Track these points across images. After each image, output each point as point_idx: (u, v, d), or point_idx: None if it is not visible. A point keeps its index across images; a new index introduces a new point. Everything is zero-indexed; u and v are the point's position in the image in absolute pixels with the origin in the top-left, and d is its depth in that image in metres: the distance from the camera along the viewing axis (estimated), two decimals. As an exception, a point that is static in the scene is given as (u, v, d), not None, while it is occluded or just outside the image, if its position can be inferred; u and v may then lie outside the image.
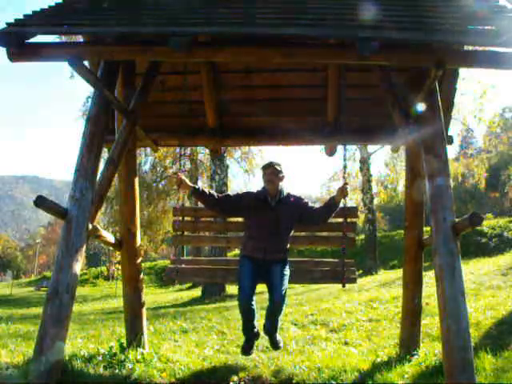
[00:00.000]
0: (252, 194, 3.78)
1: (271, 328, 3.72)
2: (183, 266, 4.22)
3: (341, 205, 3.81)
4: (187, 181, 3.72)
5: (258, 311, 3.77)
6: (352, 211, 4.29)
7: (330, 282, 4.37)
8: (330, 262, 4.29)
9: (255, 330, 3.77)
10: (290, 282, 3.72)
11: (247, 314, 3.60)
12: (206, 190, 3.71)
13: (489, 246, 15.98)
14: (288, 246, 3.82)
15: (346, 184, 3.76)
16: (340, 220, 4.16)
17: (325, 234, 4.78)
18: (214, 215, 5.10)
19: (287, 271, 3.66)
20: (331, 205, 3.73)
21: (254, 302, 3.57)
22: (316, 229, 4.52)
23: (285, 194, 3.72)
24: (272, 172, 3.64)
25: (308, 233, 4.69)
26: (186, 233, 4.43)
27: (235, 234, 4.38)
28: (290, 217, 3.68)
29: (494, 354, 3.70)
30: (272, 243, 3.63)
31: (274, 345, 3.83)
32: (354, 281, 4.03)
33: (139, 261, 4.36)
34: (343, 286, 4.01)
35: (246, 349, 3.77)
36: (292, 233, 3.84)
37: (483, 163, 19.24)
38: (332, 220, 4.01)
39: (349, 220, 4.17)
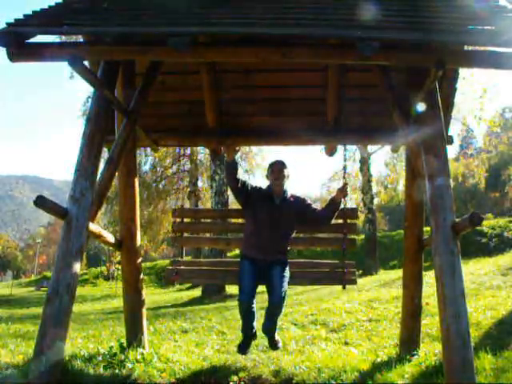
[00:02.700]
0: (261, 189, 3.80)
1: (270, 329, 3.72)
2: (182, 267, 4.24)
3: (341, 206, 3.82)
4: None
5: (258, 311, 3.77)
6: (352, 212, 4.29)
7: (330, 283, 4.41)
8: (330, 264, 4.28)
9: (254, 330, 3.78)
10: (290, 283, 3.72)
11: (247, 316, 3.62)
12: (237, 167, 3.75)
13: (489, 246, 15.99)
14: (288, 247, 3.82)
15: (345, 184, 3.79)
16: (340, 221, 4.16)
17: (325, 235, 4.78)
18: (214, 216, 5.13)
19: (287, 273, 3.66)
20: (332, 205, 3.75)
21: (254, 304, 3.58)
22: (317, 229, 4.53)
23: (288, 194, 3.73)
24: (279, 170, 3.67)
25: (308, 234, 4.68)
26: (185, 234, 4.44)
27: (235, 236, 4.37)
28: (293, 217, 3.69)
29: (493, 353, 3.70)
30: (273, 242, 3.62)
31: (273, 345, 3.85)
32: (354, 282, 4.04)
33: (139, 261, 4.36)
34: (343, 288, 4.02)
35: (243, 347, 3.79)
36: (293, 234, 3.84)
37: (483, 163, 19.26)
38: (332, 221, 4.01)
39: (349, 221, 4.17)
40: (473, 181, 21.15)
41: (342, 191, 3.72)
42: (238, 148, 3.85)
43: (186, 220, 4.46)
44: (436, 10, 3.38)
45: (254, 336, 3.84)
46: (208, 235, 6.37)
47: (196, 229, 4.81)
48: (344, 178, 3.98)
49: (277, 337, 3.87)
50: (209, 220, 5.05)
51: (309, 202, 3.85)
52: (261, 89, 4.87)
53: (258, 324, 3.81)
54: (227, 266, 4.44)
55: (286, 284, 3.61)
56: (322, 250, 19.44)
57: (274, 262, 3.62)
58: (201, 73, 4.61)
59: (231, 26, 3.08)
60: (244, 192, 3.72)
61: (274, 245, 3.63)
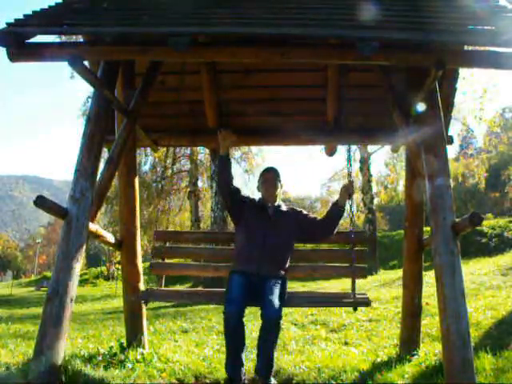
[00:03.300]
0: (253, 199, 3.51)
1: (264, 366, 3.03)
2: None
3: (346, 208, 3.36)
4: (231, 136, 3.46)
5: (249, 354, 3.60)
6: (360, 237, 3.74)
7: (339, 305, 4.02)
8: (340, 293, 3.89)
9: (242, 369, 3.04)
10: (290, 305, 3.29)
11: (234, 335, 2.97)
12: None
13: (489, 246, 15.99)
14: (287, 265, 3.38)
15: (351, 182, 3.43)
16: (347, 246, 3.67)
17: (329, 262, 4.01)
18: (201, 240, 4.62)
19: (285, 289, 3.20)
20: (335, 211, 3.36)
21: (243, 321, 2.99)
22: (319, 242, 3.87)
23: (283, 205, 3.46)
24: (272, 177, 3.45)
25: (310, 263, 3.95)
26: (167, 260, 4.04)
27: (225, 265, 3.88)
28: (289, 228, 3.34)
29: (493, 354, 3.69)
30: (268, 254, 3.21)
31: None
32: (368, 304, 3.32)
33: (139, 261, 4.36)
34: (355, 310, 3.38)
35: None
36: (291, 247, 3.44)
37: (483, 163, 19.27)
38: (338, 247, 3.77)
39: (357, 248, 3.61)
40: (473, 181, 21.16)
41: (347, 190, 3.34)
42: (233, 139, 3.47)
43: (168, 244, 4.00)
44: (436, 9, 3.38)
45: (241, 379, 3.04)
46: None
47: (180, 254, 4.34)
48: (349, 175, 3.61)
49: (273, 381, 3.12)
50: (196, 245, 4.49)
51: (305, 212, 3.51)
52: (261, 89, 4.87)
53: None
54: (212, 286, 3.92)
55: (282, 300, 3.08)
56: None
57: (269, 275, 3.17)
58: (201, 73, 4.61)
59: (231, 26, 3.08)
60: (236, 196, 3.40)
61: (269, 256, 3.21)
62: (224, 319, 2.95)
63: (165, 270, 4.02)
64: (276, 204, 3.45)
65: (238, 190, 3.44)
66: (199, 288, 3.82)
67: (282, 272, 3.30)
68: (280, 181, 3.50)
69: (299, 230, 3.39)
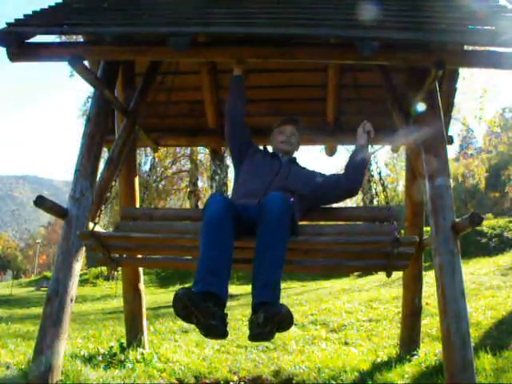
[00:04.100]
0: (263, 147, 2.99)
1: (270, 289, 1.92)
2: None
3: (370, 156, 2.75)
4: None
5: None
6: (393, 213, 2.78)
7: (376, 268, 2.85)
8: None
9: (224, 282, 1.93)
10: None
11: (217, 230, 1.99)
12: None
13: (489, 246, 15.97)
14: (298, 218, 2.54)
15: (366, 121, 2.92)
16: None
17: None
18: (171, 218, 3.23)
19: (292, 216, 2.21)
20: (356, 156, 2.73)
21: (230, 218, 2.06)
22: (344, 199, 3.07)
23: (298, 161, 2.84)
24: (291, 132, 2.87)
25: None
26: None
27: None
28: (305, 178, 2.69)
29: (493, 354, 3.70)
30: (276, 189, 2.42)
31: (282, 318, 1.87)
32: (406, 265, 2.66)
33: (139, 261, 4.35)
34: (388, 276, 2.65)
35: (184, 308, 1.82)
36: (305, 204, 2.64)
37: (483, 163, 19.27)
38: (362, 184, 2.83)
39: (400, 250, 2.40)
40: (473, 181, 21.15)
41: (365, 128, 2.86)
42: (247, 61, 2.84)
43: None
44: (436, 10, 3.38)
45: (217, 297, 1.87)
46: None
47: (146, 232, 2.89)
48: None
49: (284, 308, 1.91)
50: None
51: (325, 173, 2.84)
52: (261, 89, 4.87)
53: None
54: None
55: (289, 216, 2.14)
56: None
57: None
58: (201, 73, 4.61)
59: (231, 26, 3.08)
60: (244, 130, 2.88)
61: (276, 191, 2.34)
62: (203, 222, 2.06)
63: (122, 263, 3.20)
64: (290, 154, 2.86)
65: (247, 129, 2.93)
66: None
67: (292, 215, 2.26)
68: (296, 139, 2.92)
69: (319, 189, 2.68)
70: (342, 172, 2.81)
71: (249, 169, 2.73)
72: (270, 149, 3.06)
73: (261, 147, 3.06)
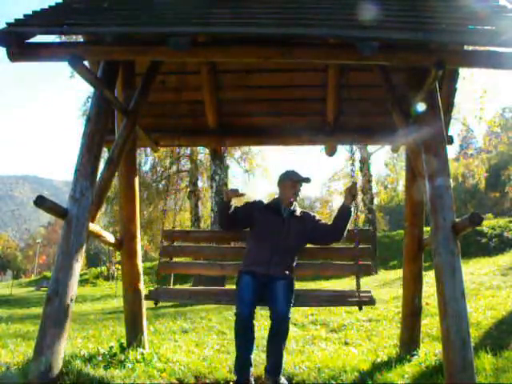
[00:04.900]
0: (262, 202, 3.63)
1: (274, 367, 3.15)
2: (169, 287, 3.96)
3: (352, 211, 3.50)
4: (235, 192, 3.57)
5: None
6: (365, 235, 3.93)
7: (345, 304, 4.07)
8: (345, 291, 3.92)
9: (250, 370, 3.13)
10: (301, 304, 3.43)
11: (245, 334, 3.08)
12: (233, 208, 3.52)
13: (489, 246, 15.99)
14: (294, 263, 3.52)
15: (354, 184, 3.58)
16: (351, 245, 3.75)
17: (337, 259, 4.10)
18: (208, 239, 4.63)
19: (292, 288, 3.30)
20: (342, 213, 3.47)
21: (253, 321, 3.12)
22: (329, 244, 3.81)
23: (298, 209, 3.54)
24: (299, 189, 3.52)
25: (315, 260, 4.12)
26: (174, 259, 4.13)
27: (231, 263, 3.98)
28: (302, 231, 3.45)
29: (494, 354, 3.69)
30: (277, 256, 3.31)
31: None
32: (372, 303, 3.50)
33: (139, 261, 4.36)
34: (360, 309, 3.53)
35: None
36: (300, 249, 3.56)
37: (483, 163, 19.26)
38: (342, 245, 3.77)
39: (361, 246, 3.73)
40: (473, 181, 21.14)
41: (351, 191, 3.46)
42: (241, 193, 3.54)
43: (176, 243, 4.12)
44: (436, 10, 3.38)
45: (249, 381, 3.12)
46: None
47: (187, 252, 4.45)
48: (352, 177, 3.76)
49: (282, 379, 3.20)
50: (202, 244, 4.52)
51: (318, 217, 3.63)
52: (261, 89, 4.88)
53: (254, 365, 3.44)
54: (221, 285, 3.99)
55: (291, 299, 3.21)
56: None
57: (278, 277, 3.27)
58: (201, 73, 4.61)
59: (231, 26, 3.08)
60: (240, 218, 3.51)
61: (277, 259, 3.31)
62: (236, 320, 3.07)
63: (172, 268, 4.19)
64: (291, 208, 3.51)
65: (238, 212, 3.53)
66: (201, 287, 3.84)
67: (290, 272, 3.40)
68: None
69: (311, 235, 3.50)
70: (330, 223, 3.56)
71: (256, 235, 3.46)
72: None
73: (261, 203, 3.62)
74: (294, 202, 3.55)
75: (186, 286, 16.90)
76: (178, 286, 17.32)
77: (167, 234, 4.09)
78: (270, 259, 3.30)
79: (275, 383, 3.13)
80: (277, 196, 3.71)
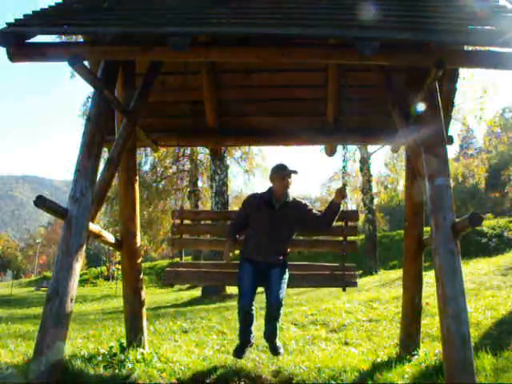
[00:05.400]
0: (256, 195, 3.77)
1: (270, 335, 3.66)
2: (181, 269, 4.15)
3: (341, 208, 3.71)
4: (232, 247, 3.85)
5: (258, 314, 3.74)
6: (352, 215, 4.21)
7: (330, 285, 4.31)
8: (330, 266, 4.18)
9: (252, 335, 3.74)
10: (289, 286, 3.70)
11: (246, 319, 3.59)
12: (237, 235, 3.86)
13: (489, 246, 15.99)
14: (288, 249, 3.81)
15: (344, 185, 3.71)
16: (340, 224, 4.05)
17: (325, 237, 4.60)
18: (215, 218, 5.14)
19: (286, 275, 3.65)
20: (331, 208, 3.67)
21: (253, 307, 3.57)
22: (317, 233, 4.41)
23: (290, 198, 3.69)
24: (290, 182, 3.64)
25: (308, 236, 4.58)
26: (184, 236, 4.39)
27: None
28: (293, 220, 3.66)
29: (494, 354, 3.69)
30: (272, 245, 3.61)
31: (274, 351, 3.78)
32: (354, 284, 3.94)
33: (139, 261, 4.36)
34: (344, 290, 3.96)
35: (239, 352, 3.71)
36: (293, 236, 3.83)
37: (483, 163, 19.26)
38: (332, 224, 3.89)
39: (349, 224, 4.09)
40: (473, 181, 21.13)
41: (341, 193, 3.63)
42: (241, 238, 3.87)
43: (185, 222, 4.41)
44: (436, 10, 3.38)
45: (250, 342, 3.76)
46: (208, 237, 6.34)
47: (195, 230, 4.76)
48: (343, 178, 3.86)
49: (278, 343, 3.79)
50: (209, 222, 4.98)
51: (310, 207, 3.78)
52: (261, 89, 4.87)
53: (255, 330, 3.78)
54: (226, 267, 4.33)
55: (284, 286, 3.60)
56: (322, 252, 19.42)
57: (274, 263, 3.61)
58: (201, 73, 4.61)
59: (231, 26, 3.08)
60: (243, 224, 3.79)
61: (273, 247, 3.62)
62: (238, 308, 3.57)
63: (182, 244, 4.52)
64: (284, 198, 3.68)
65: (238, 224, 3.85)
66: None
67: (284, 258, 3.73)
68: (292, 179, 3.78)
69: (300, 223, 3.74)
70: (321, 212, 3.77)
71: (253, 227, 3.72)
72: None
73: (255, 198, 3.74)
74: (286, 192, 3.69)
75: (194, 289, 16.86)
76: (178, 286, 17.33)
77: (177, 213, 4.31)
78: (265, 249, 3.61)
79: (272, 344, 3.72)
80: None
